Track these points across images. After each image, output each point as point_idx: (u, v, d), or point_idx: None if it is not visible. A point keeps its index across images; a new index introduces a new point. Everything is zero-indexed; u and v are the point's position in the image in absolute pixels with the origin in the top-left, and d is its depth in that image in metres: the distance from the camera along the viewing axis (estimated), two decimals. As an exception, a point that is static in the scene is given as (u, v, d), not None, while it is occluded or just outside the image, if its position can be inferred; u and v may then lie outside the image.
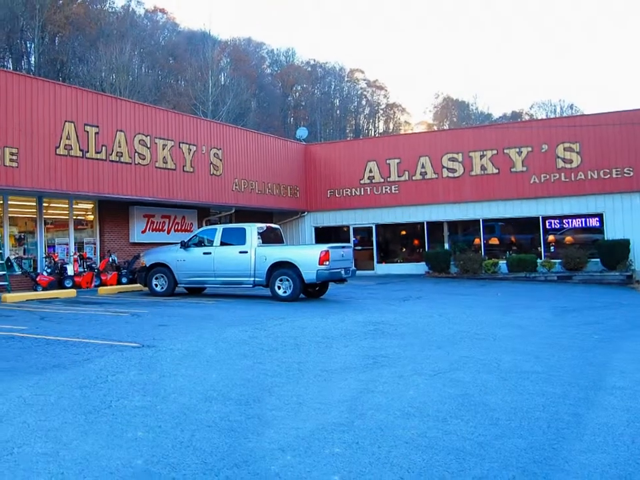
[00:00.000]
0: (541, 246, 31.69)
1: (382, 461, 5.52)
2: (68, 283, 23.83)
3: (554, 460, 5.55)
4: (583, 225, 31.13)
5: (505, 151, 32.18)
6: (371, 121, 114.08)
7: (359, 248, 35.33)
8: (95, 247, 27.25)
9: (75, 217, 26.45)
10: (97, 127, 24.18)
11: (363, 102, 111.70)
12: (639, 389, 8.21)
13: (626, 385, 8.43)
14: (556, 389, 8.11)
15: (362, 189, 35.61)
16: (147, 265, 22.46)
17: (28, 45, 64.78)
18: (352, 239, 35.94)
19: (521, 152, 31.84)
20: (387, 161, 35.02)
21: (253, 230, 20.86)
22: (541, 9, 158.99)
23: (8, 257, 23.35)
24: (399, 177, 34.67)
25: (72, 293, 22.54)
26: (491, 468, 5.33)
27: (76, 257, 25.49)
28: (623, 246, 28.77)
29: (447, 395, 7.76)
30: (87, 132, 23.76)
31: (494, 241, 33.10)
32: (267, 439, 6.11)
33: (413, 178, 34.28)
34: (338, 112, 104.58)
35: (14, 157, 21.16)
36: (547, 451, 5.78)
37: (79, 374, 8.92)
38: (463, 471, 5.26)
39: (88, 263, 25.91)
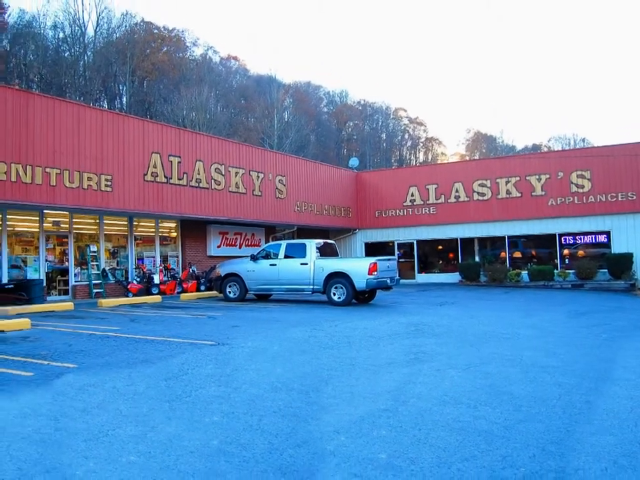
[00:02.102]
0: (557, 258, 31.40)
1: (422, 442, 5.59)
2: (154, 290, 24.20)
3: (568, 441, 5.58)
4: (593, 240, 30.84)
5: (527, 177, 32.02)
6: (413, 152, 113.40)
7: (402, 260, 35.28)
8: (177, 260, 27.62)
9: (160, 234, 26.85)
10: (179, 157, 24.58)
11: (406, 136, 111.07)
12: (641, 380, 8.17)
13: (630, 377, 8.38)
14: (570, 380, 8.08)
15: (405, 210, 35.63)
16: (222, 275, 22.68)
17: (120, 88, 65.93)
18: (396, 252, 35.86)
19: (540, 178, 31.68)
20: (426, 186, 34.99)
21: (312, 245, 20.98)
22: (558, 53, 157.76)
23: (104, 268, 23.86)
24: (436, 199, 34.62)
25: (157, 298, 22.89)
26: (515, 448, 5.38)
27: (161, 268, 25.89)
28: (627, 259, 28.76)
29: (477, 385, 7.78)
30: (171, 161, 24.17)
31: (517, 254, 32.86)
32: (324, 423, 6.21)
33: (448, 201, 34.23)
34: (384, 144, 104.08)
35: (108, 183, 21.64)
36: (562, 433, 5.81)
37: (164, 368, 9.08)
38: (491, 450, 5.31)
39: (171, 273, 26.27)
